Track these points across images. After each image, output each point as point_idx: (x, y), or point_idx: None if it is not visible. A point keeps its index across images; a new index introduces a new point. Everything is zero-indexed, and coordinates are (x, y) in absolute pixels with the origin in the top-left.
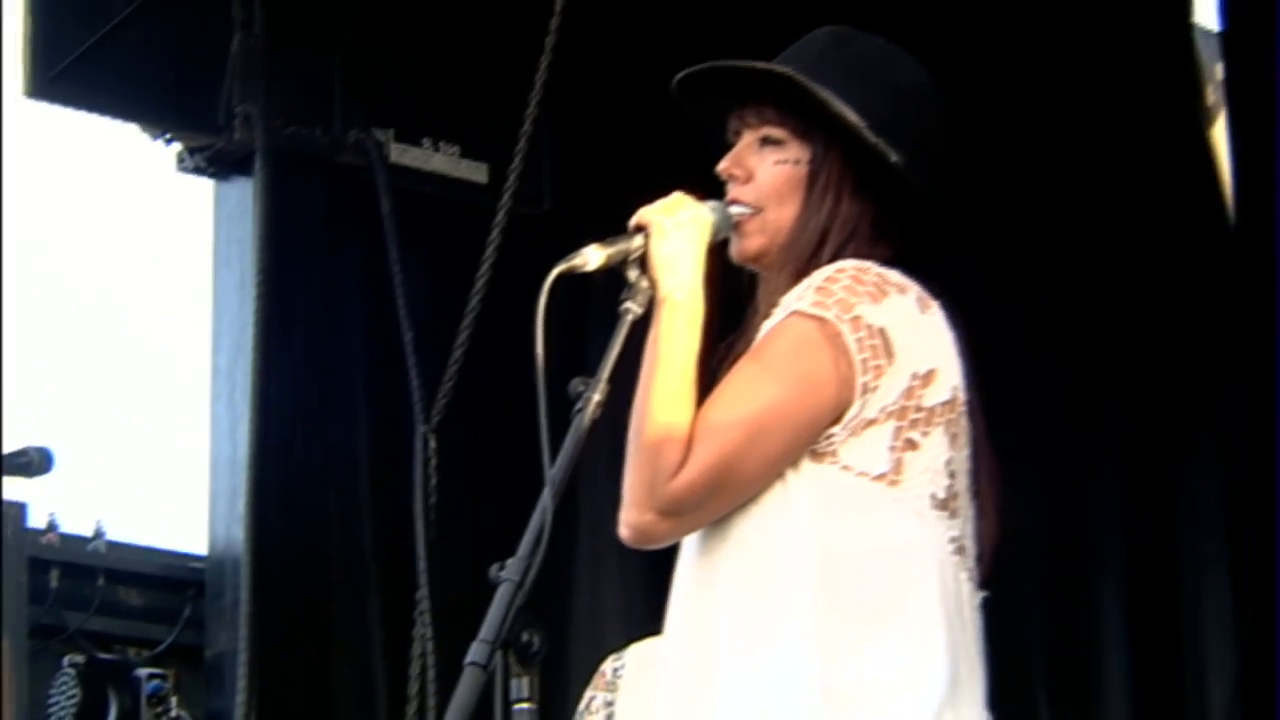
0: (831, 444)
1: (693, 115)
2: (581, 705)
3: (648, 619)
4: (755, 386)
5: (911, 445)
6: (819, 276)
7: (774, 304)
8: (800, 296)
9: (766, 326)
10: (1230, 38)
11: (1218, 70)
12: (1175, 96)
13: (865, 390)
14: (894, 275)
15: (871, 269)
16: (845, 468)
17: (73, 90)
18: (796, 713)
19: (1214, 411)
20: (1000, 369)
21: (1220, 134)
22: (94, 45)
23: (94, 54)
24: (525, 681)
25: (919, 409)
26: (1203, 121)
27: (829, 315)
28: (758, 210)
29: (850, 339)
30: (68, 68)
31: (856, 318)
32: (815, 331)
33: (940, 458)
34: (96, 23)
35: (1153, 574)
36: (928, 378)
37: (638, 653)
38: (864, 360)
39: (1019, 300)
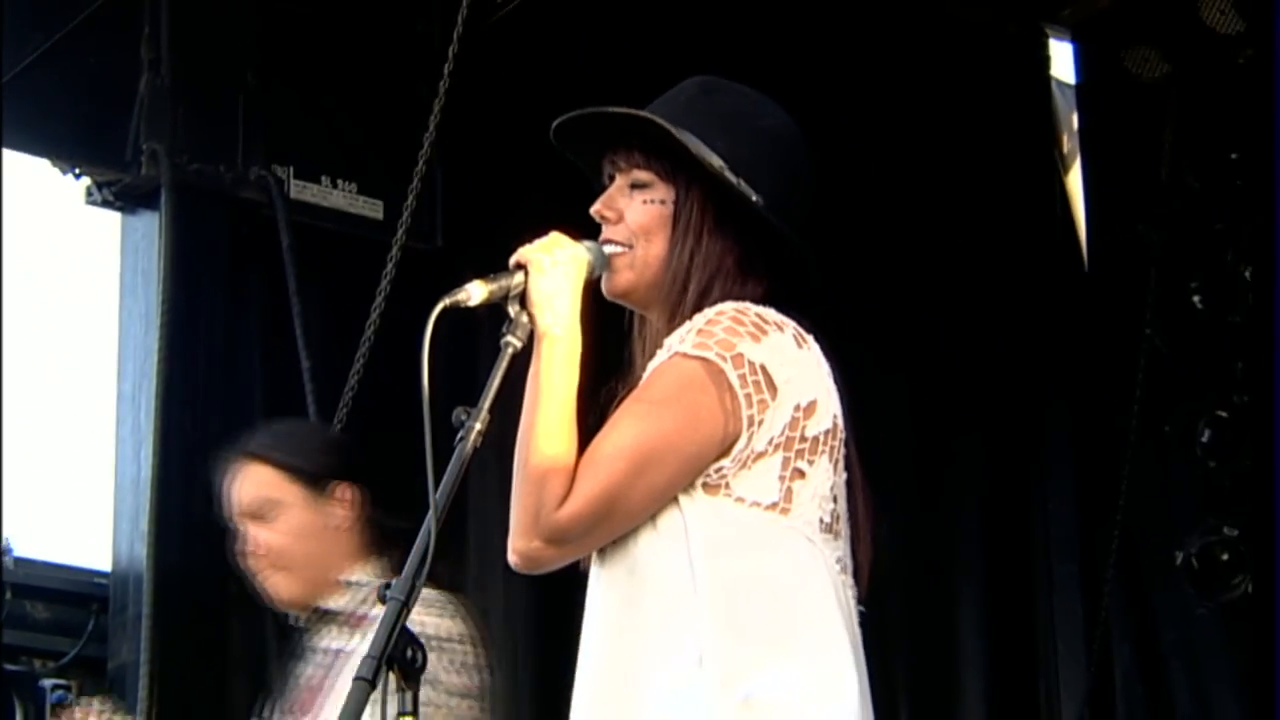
0: (723, 476)
1: (575, 161)
2: None
3: (532, 639)
4: (640, 422)
5: (800, 474)
6: (700, 320)
7: (657, 345)
8: (682, 339)
9: (651, 367)
10: (1085, 90)
11: (1073, 121)
12: (1033, 145)
13: (751, 424)
14: (771, 314)
15: (750, 309)
16: (738, 499)
17: None
18: None
19: (1068, 442)
20: (866, 400)
21: (1075, 179)
22: (8, 83)
23: (7, 91)
24: (408, 695)
25: (803, 439)
26: (1059, 169)
27: (711, 355)
28: (629, 247)
29: (733, 376)
30: None
31: (738, 355)
32: (699, 370)
33: (825, 484)
34: (9, 61)
35: (1009, 595)
36: (810, 409)
37: None
38: (748, 395)
39: (886, 332)
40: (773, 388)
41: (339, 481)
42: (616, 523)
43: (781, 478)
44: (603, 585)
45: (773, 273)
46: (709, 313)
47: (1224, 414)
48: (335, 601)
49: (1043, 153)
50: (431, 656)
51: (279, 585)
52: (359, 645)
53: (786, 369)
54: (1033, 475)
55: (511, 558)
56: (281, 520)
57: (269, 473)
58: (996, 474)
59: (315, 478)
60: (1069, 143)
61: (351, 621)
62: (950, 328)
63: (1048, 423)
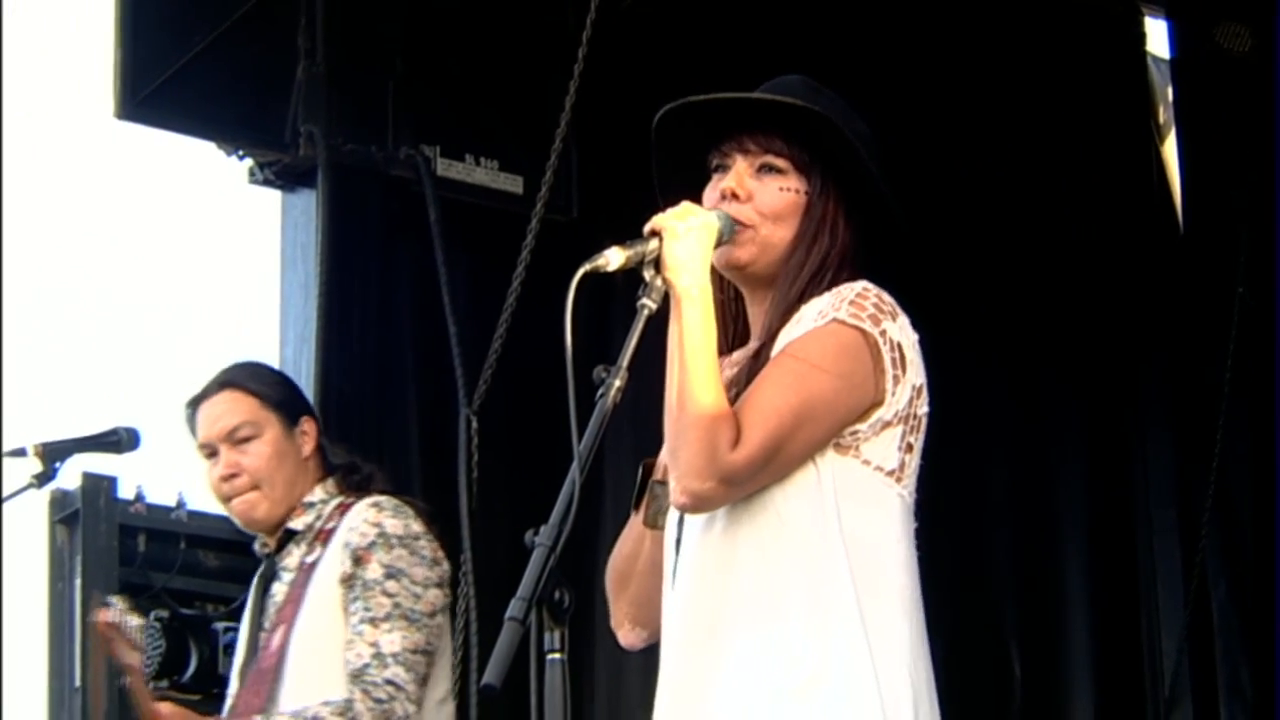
0: (856, 439)
1: (664, 140)
2: None
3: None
4: (804, 380)
5: (910, 449)
6: (849, 292)
7: (787, 318)
8: (836, 307)
9: (806, 327)
10: (1179, 65)
11: (1168, 93)
12: (1131, 116)
13: (889, 395)
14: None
15: (885, 294)
16: (865, 461)
17: (157, 112)
18: (849, 677)
19: (1167, 395)
20: (973, 353)
21: (1170, 149)
22: (176, 72)
23: (176, 80)
24: (557, 634)
25: (914, 417)
26: (1155, 138)
27: (865, 327)
28: (752, 227)
29: (884, 348)
30: (153, 92)
31: (884, 331)
32: (859, 339)
33: (919, 464)
34: (178, 52)
35: (1112, 541)
36: (919, 390)
37: None
38: (888, 369)
39: (995, 294)
40: (904, 365)
41: (305, 415)
42: (776, 469)
43: (900, 448)
44: (715, 532)
45: (872, 261)
46: (856, 286)
47: None
48: (300, 521)
49: (1140, 124)
50: (398, 552)
51: (255, 505)
52: (325, 554)
53: (911, 351)
54: (1132, 426)
55: (680, 499)
56: (260, 443)
57: (250, 401)
58: (1098, 425)
59: (288, 410)
60: (1164, 114)
61: (319, 536)
62: (1054, 289)
63: (1147, 377)
